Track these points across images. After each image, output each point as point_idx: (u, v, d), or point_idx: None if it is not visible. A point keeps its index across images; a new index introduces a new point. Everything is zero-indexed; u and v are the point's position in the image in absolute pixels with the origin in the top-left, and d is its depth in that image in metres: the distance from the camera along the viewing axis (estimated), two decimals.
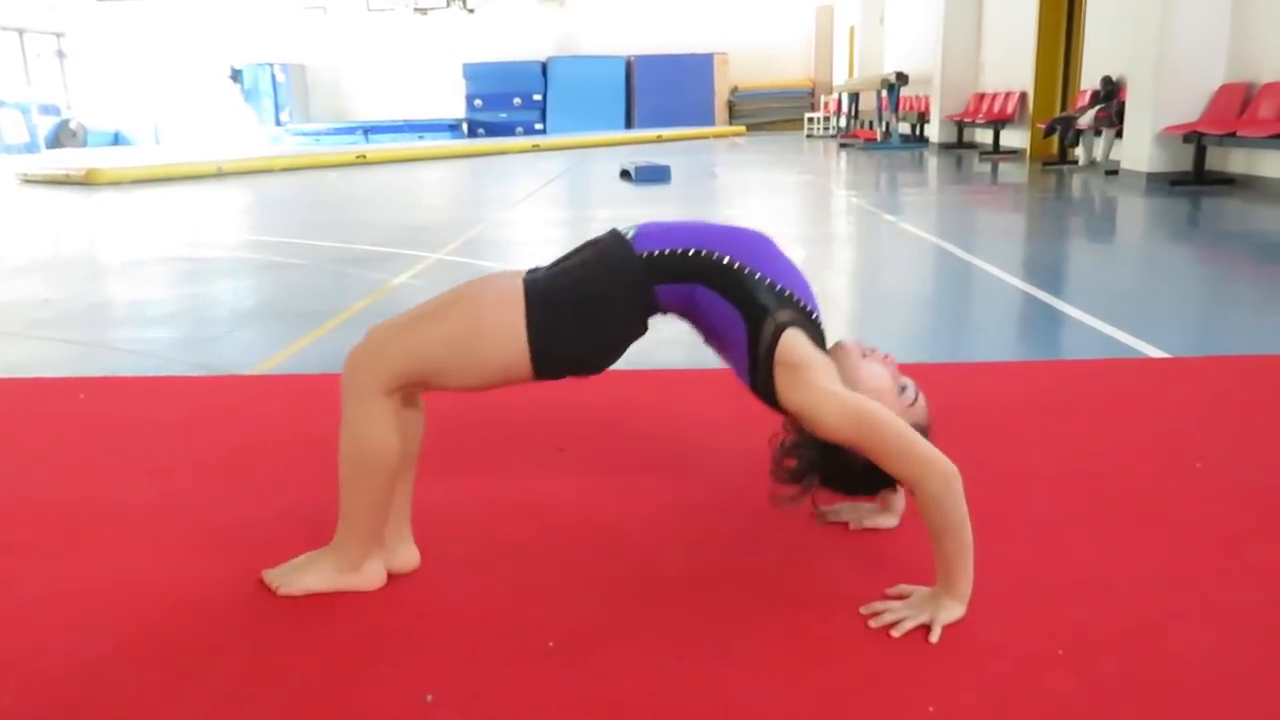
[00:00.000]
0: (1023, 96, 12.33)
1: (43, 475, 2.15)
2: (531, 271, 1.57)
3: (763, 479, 1.72)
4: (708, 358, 1.88)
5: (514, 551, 1.70)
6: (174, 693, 1.31)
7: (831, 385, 1.48)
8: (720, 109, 23.76)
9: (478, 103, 23.22)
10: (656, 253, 1.54)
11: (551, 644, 1.39)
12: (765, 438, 1.62)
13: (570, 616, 1.46)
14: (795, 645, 1.39)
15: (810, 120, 21.15)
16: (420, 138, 20.89)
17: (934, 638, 1.38)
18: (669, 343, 2.72)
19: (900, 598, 1.48)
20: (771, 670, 1.33)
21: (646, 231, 1.58)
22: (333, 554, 1.54)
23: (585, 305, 1.49)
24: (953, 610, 1.42)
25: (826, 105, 21.71)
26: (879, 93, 15.42)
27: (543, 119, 23.16)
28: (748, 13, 23.90)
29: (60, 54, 23.63)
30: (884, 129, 15.42)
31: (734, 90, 24.07)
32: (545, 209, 8.11)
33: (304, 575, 1.54)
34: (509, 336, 1.45)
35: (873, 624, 1.42)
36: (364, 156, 14.85)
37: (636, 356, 1.75)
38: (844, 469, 1.52)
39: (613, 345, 1.54)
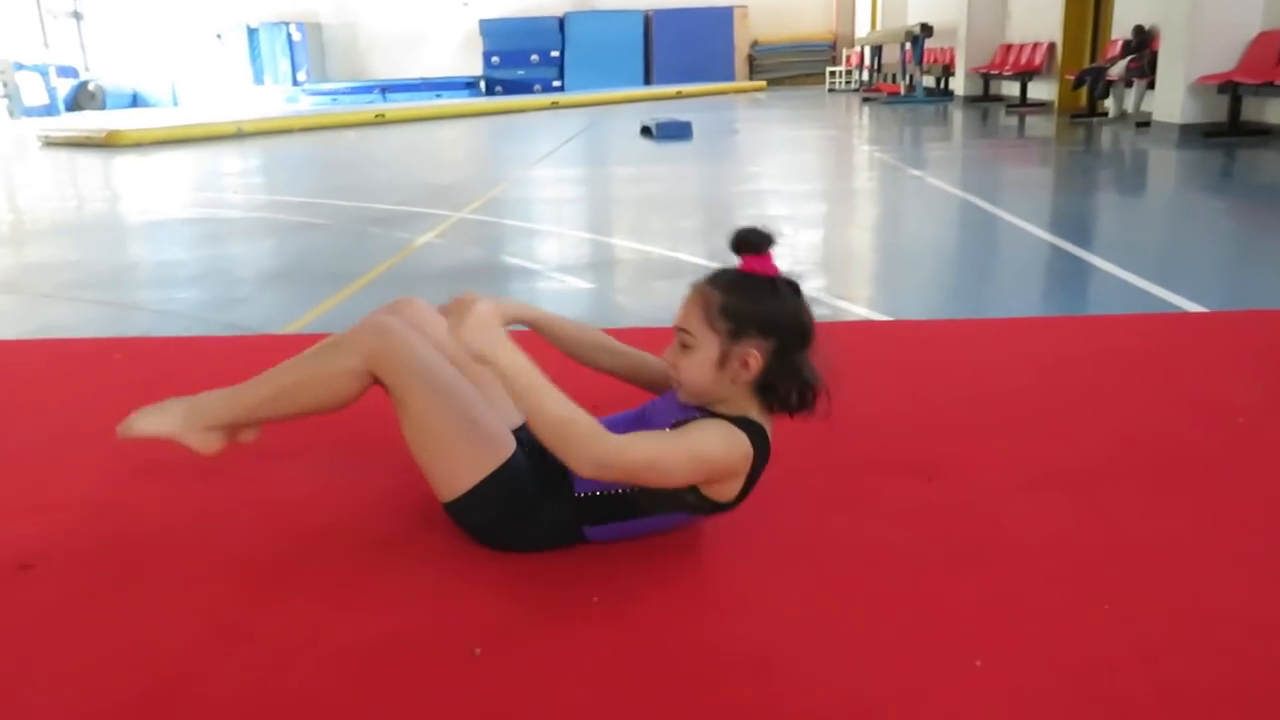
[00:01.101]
0: (1050, 47, 12.09)
1: (83, 435, 2.17)
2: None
3: (789, 434, 1.71)
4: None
5: None
6: (216, 651, 1.32)
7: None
8: (740, 64, 23.43)
9: (495, 60, 23.00)
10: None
11: (596, 599, 1.39)
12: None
13: (610, 573, 1.46)
14: (835, 601, 1.39)
15: (832, 74, 20.85)
16: (438, 96, 20.74)
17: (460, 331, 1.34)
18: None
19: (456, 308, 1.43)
20: (812, 626, 1.33)
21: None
22: (196, 409, 1.68)
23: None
24: (496, 346, 1.35)
25: (848, 59, 21.38)
26: (902, 45, 15.16)
27: (560, 76, 22.92)
28: None
29: (76, 15, 23.54)
30: (907, 82, 15.17)
31: (754, 44, 23.72)
32: (566, 167, 8.06)
33: (153, 418, 1.70)
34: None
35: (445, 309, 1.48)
36: (383, 116, 14.78)
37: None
38: None
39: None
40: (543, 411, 1.31)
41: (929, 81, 16.00)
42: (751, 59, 23.73)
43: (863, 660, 1.26)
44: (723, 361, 1.42)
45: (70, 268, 4.46)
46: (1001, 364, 2.46)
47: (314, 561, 1.55)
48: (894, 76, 16.95)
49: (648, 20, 23.16)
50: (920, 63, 14.83)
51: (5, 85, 19.08)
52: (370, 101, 19.89)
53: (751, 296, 1.43)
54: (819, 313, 3.07)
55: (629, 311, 3.38)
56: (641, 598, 1.41)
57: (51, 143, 12.34)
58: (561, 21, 23.15)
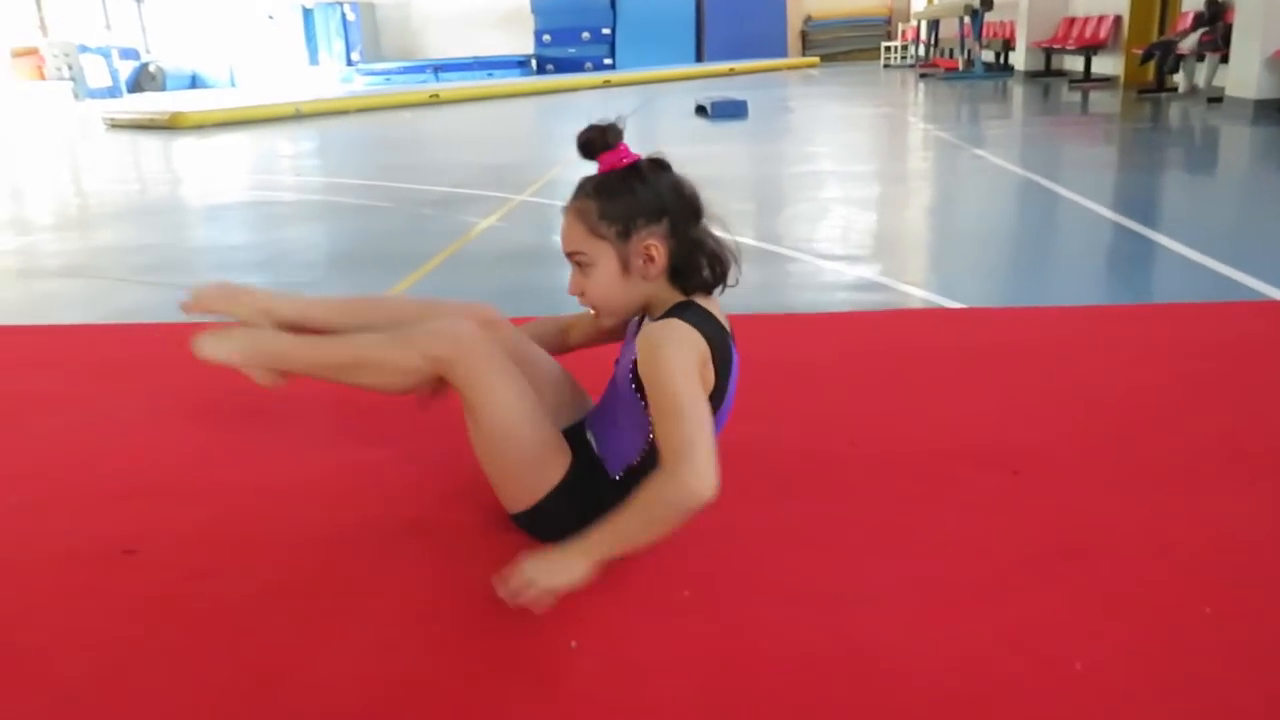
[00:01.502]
0: (1117, 20, 11.77)
1: (172, 419, 2.23)
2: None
3: (868, 426, 1.70)
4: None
5: None
6: (328, 633, 1.36)
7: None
8: (793, 40, 23.15)
9: (546, 38, 22.97)
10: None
11: (687, 594, 1.40)
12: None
13: (697, 568, 1.47)
14: (926, 597, 1.38)
15: (887, 50, 20.52)
16: (490, 75, 20.80)
17: (526, 594, 1.25)
18: None
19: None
20: (906, 621, 1.33)
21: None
22: (261, 347, 1.71)
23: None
24: (570, 566, 1.27)
25: (904, 33, 21.01)
26: (961, 19, 14.86)
27: (612, 53, 22.83)
28: None
29: None
30: (966, 57, 14.88)
31: (807, 20, 23.41)
32: None
33: (219, 345, 1.74)
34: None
35: (501, 593, 1.28)
36: (437, 96, 14.86)
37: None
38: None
39: None
40: (651, 532, 1.31)
41: (988, 56, 15.68)
42: (804, 35, 23.43)
43: (958, 659, 1.25)
44: (625, 266, 1.42)
45: (141, 251, 4.56)
46: (1079, 353, 2.41)
47: (407, 550, 1.57)
48: (951, 51, 16.62)
49: None
50: (979, 37, 14.53)
51: (70, 68, 19.49)
52: (423, 81, 20.01)
53: (622, 190, 1.41)
54: (880, 299, 3.09)
55: None
56: (731, 590, 1.41)
57: (116, 125, 12.59)
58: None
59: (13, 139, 11.73)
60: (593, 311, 1.49)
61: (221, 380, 2.47)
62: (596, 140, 1.43)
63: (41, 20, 20.63)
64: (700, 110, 10.32)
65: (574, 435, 1.56)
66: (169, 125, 11.75)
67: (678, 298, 1.45)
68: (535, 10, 23.04)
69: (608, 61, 22.65)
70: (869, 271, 3.51)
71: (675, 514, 1.28)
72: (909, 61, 19.78)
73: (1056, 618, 1.32)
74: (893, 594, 1.40)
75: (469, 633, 1.34)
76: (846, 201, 5.08)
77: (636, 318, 1.55)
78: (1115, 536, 1.53)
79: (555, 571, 1.27)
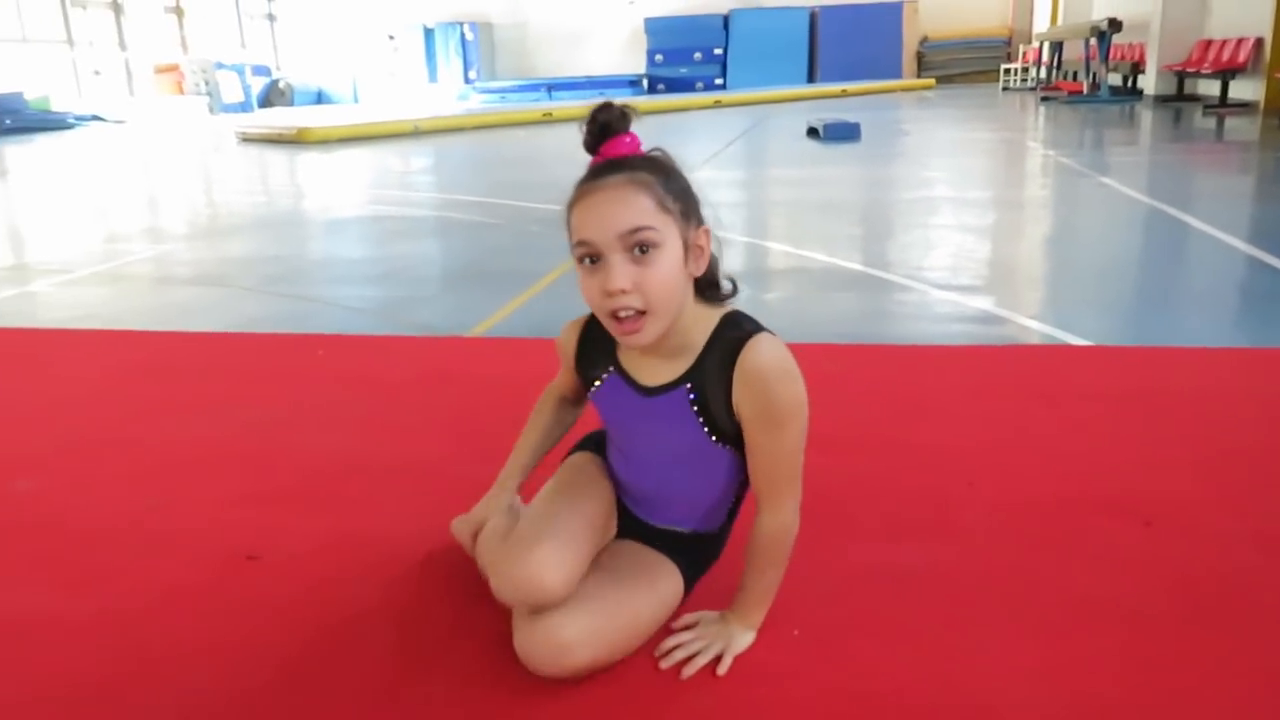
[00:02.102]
0: (1258, 43, 11.21)
1: (293, 428, 2.31)
2: None
3: (987, 467, 1.63)
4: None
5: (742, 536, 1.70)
6: (437, 648, 1.38)
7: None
8: (908, 61, 22.80)
9: (658, 58, 23.18)
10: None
11: (796, 633, 1.38)
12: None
13: (812, 608, 1.44)
14: (1054, 653, 1.32)
15: (1007, 72, 20.01)
16: (601, 94, 21.06)
17: (723, 669, 1.29)
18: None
19: (687, 628, 1.36)
20: (1030, 679, 1.27)
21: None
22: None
23: None
24: (745, 639, 1.33)
25: (1025, 55, 20.46)
26: (1087, 40, 14.38)
27: (723, 73, 22.89)
28: None
29: (270, 17, 25.12)
30: (1091, 80, 14.39)
31: (923, 40, 23.03)
32: (730, 169, 8.03)
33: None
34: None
35: (663, 664, 1.30)
36: (550, 114, 15.12)
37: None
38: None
39: None
40: (778, 582, 1.35)
41: (1115, 80, 15.13)
42: (920, 55, 23.06)
43: None
44: (686, 253, 1.22)
45: (268, 262, 4.76)
46: (1215, 398, 2.29)
47: None
48: (1076, 74, 16.11)
49: (813, 17, 22.84)
50: (1106, 59, 14.04)
51: (207, 83, 20.55)
52: (537, 100, 20.41)
53: (670, 169, 1.24)
54: (997, 333, 2.99)
55: (800, 323, 3.33)
56: (842, 631, 1.38)
57: (247, 138, 13.20)
58: (726, 19, 23.11)
59: (152, 151, 12.41)
60: (630, 312, 1.19)
61: (345, 391, 2.56)
62: (617, 121, 1.23)
63: (183, 39, 21.83)
64: (812, 132, 10.24)
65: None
66: (295, 140, 12.26)
67: (707, 312, 1.29)
68: (648, 30, 23.29)
69: (719, 81, 22.72)
70: (985, 303, 3.41)
71: (794, 538, 1.33)
72: (1030, 84, 19.25)
73: (1189, 687, 1.25)
74: (1009, 645, 1.34)
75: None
76: (962, 229, 4.96)
77: (607, 372, 1.36)
78: (1256, 601, 1.44)
79: (739, 645, 1.32)
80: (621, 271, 1.17)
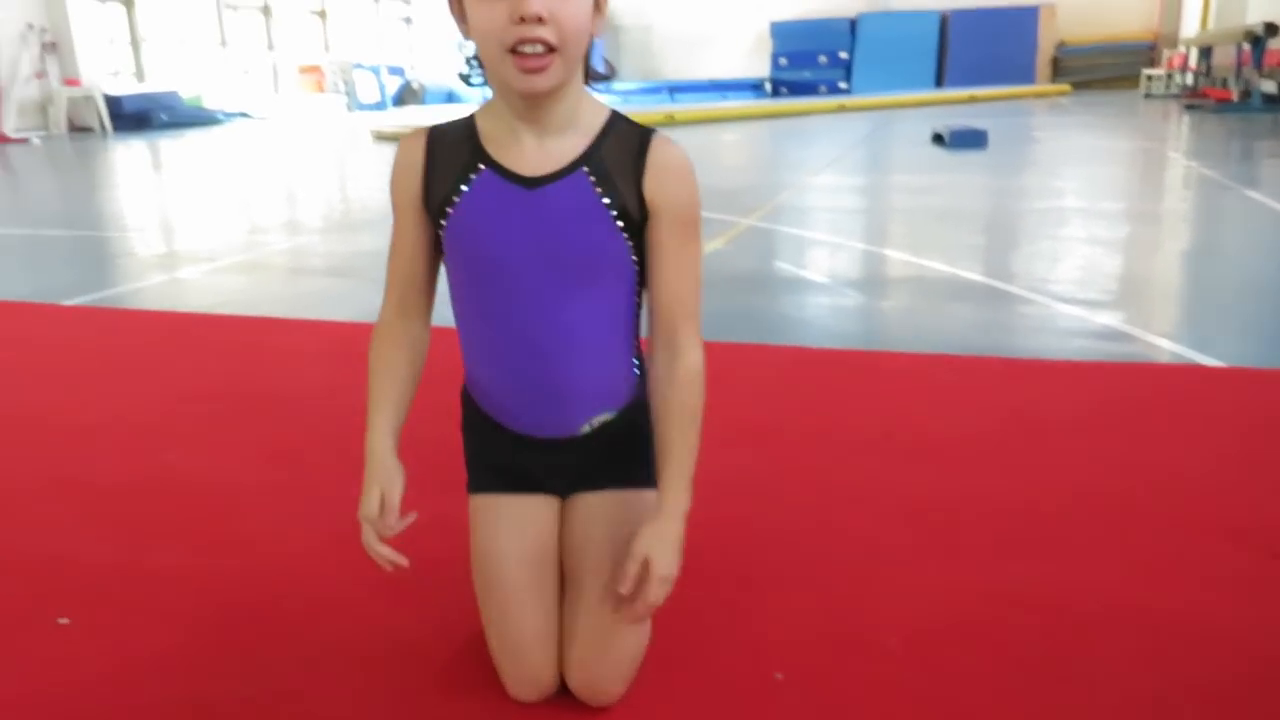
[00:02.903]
0: None
1: (419, 418, 2.41)
2: None
3: (1102, 486, 1.59)
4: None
5: (857, 548, 1.70)
6: None
7: None
8: (1043, 66, 21.99)
9: (783, 61, 23.00)
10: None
11: (894, 641, 1.38)
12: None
13: (912, 622, 1.44)
14: (1167, 681, 1.29)
15: (1149, 78, 19.10)
16: (724, 97, 21.05)
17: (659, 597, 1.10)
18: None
19: (639, 573, 1.11)
20: (1148, 706, 1.24)
21: None
22: None
23: None
24: (679, 536, 1.12)
25: (1170, 61, 19.49)
26: (1239, 45, 13.62)
27: (848, 77, 22.56)
28: None
29: (407, 20, 25.98)
30: (1242, 88, 13.63)
31: (1060, 45, 22.18)
32: (851, 175, 7.94)
33: None
34: None
35: (630, 621, 1.13)
36: (672, 116, 15.20)
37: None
38: None
39: None
40: (695, 452, 1.16)
41: (1269, 88, 14.28)
42: (1056, 60, 22.22)
43: None
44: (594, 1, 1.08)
45: None
46: None
47: None
48: (1225, 81, 15.27)
49: (944, 20, 22.28)
50: (1259, 66, 13.27)
51: (345, 83, 21.42)
52: (659, 102, 20.53)
53: None
54: (1123, 350, 2.89)
55: (917, 333, 3.28)
56: (942, 648, 1.37)
57: (380, 136, 13.70)
58: (853, 23, 22.78)
59: (292, 147, 13.02)
60: (538, 48, 1.03)
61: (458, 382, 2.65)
62: None
63: (325, 40, 22.80)
64: (937, 138, 10.01)
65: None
66: None
67: (593, 96, 1.17)
68: (774, 34, 23.15)
69: (843, 85, 22.40)
70: (1112, 319, 3.29)
71: (698, 416, 1.13)
72: (1174, 91, 18.34)
73: None
74: (1117, 671, 1.31)
75: (670, 659, 1.37)
76: (1091, 241, 4.79)
77: (475, 172, 1.14)
78: None
79: (676, 553, 1.11)
80: (527, 2, 1.00)
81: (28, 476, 2.15)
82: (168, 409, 2.56)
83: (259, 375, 2.85)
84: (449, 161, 1.14)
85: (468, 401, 1.26)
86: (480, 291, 1.16)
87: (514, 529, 1.23)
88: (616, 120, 1.14)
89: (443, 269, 1.23)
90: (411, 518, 1.19)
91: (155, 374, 2.90)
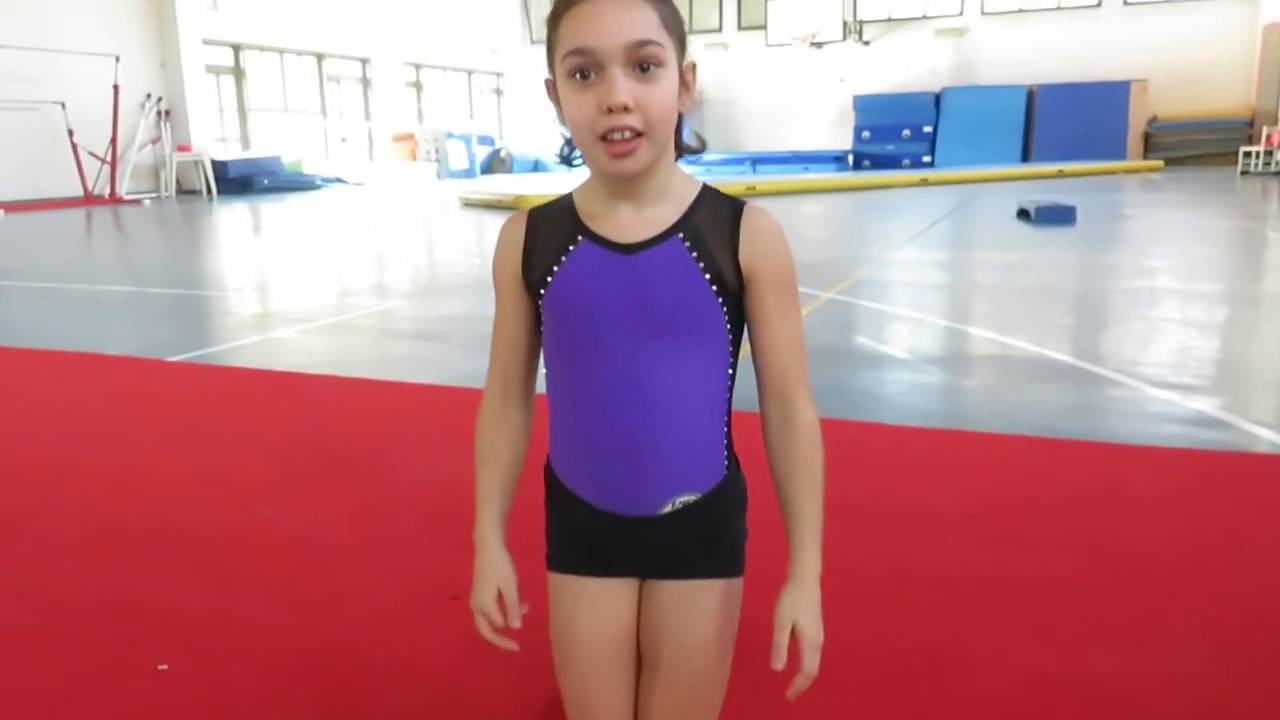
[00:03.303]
0: None
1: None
2: None
3: (1193, 578, 1.54)
4: None
5: (934, 630, 1.68)
6: None
7: None
8: (1134, 141, 21.68)
9: (865, 134, 23.12)
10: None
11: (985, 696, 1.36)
12: None
13: (990, 706, 1.41)
14: None
15: (1246, 155, 18.68)
16: (806, 169, 21.22)
17: (813, 666, 1.09)
18: None
19: (792, 648, 1.10)
20: None
21: None
22: None
23: None
24: (817, 600, 1.12)
25: (1269, 138, 19.05)
26: None
27: (931, 151, 22.55)
28: (1175, 35, 21.61)
29: (498, 91, 26.91)
30: None
31: (1152, 120, 21.87)
32: (934, 250, 7.90)
33: None
34: None
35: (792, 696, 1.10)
36: (753, 188, 15.37)
37: None
38: None
39: None
40: (822, 511, 1.16)
41: None
42: (1148, 136, 21.89)
43: None
44: (681, 84, 1.11)
45: (483, 322, 5.07)
46: None
47: None
48: None
49: (1031, 95, 22.20)
50: None
51: (437, 151, 22.20)
52: (741, 173, 20.78)
53: None
54: (1218, 438, 2.80)
55: (1003, 413, 3.24)
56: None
57: (469, 203, 14.14)
58: (937, 96, 22.84)
59: (385, 212, 13.51)
60: (626, 134, 1.06)
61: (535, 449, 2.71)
62: None
63: (419, 110, 23.72)
64: (1022, 214, 9.92)
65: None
66: (512, 206, 13.02)
67: (683, 168, 1.19)
68: (857, 107, 23.33)
69: (927, 159, 22.39)
70: (1207, 405, 3.21)
71: (824, 458, 1.14)
72: (1273, 168, 17.88)
73: None
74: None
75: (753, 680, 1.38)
76: (1185, 323, 4.67)
77: (574, 243, 1.16)
78: None
79: (819, 616, 1.13)
80: (625, 86, 1.05)
81: (132, 523, 2.26)
82: (262, 463, 2.67)
83: (348, 434, 2.95)
84: (550, 237, 1.18)
85: (551, 477, 1.29)
86: (575, 355, 1.17)
87: (592, 612, 1.24)
88: (708, 192, 1.18)
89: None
90: (526, 609, 1.23)
91: (251, 429, 3.03)
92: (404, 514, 2.26)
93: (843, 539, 2.03)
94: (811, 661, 1.10)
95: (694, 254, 1.13)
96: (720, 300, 1.13)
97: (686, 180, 1.17)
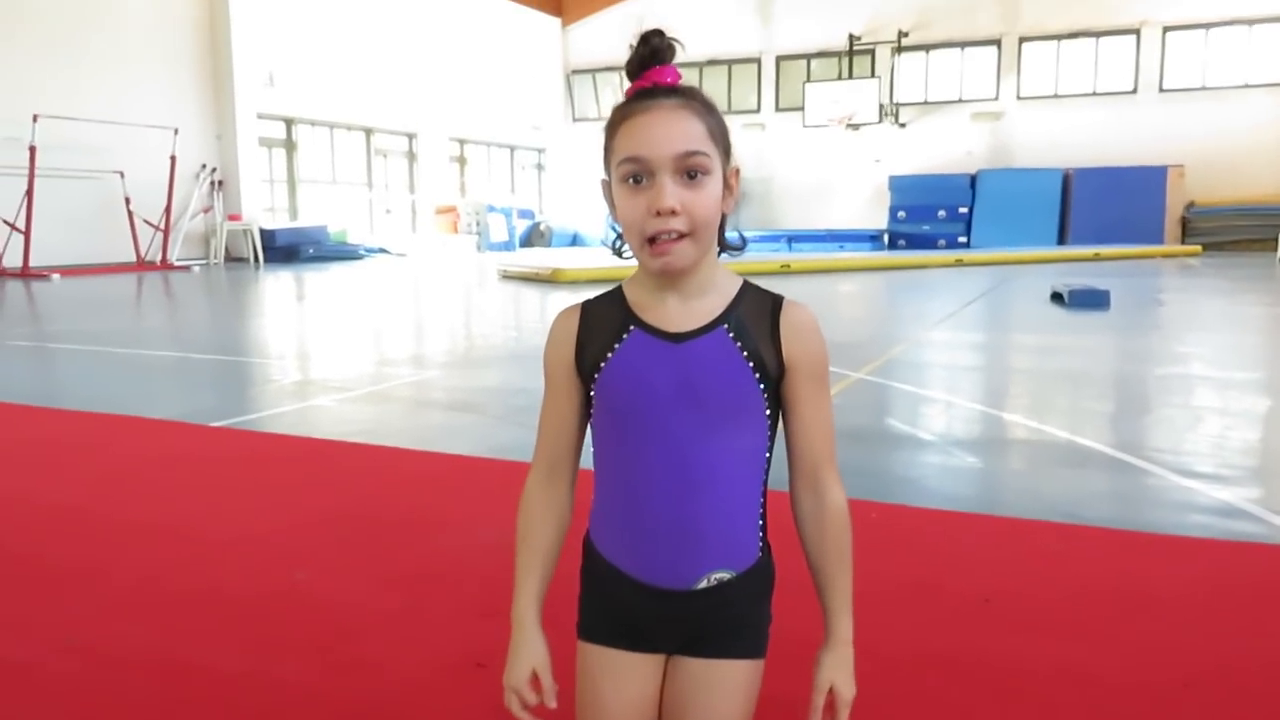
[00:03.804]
0: None
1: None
2: None
3: (1211, 671, 1.56)
4: None
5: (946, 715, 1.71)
6: None
7: None
8: (1171, 226, 21.67)
9: (901, 214, 23.32)
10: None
11: None
12: None
13: None
14: None
15: None
16: (841, 248, 21.39)
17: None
18: None
19: (828, 705, 1.23)
20: None
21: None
22: None
23: None
24: (851, 661, 1.25)
25: None
26: None
27: (967, 231, 22.67)
28: (1211, 122, 21.73)
29: (539, 166, 27.55)
30: None
31: (1189, 205, 21.88)
32: (966, 332, 7.94)
33: None
34: None
35: None
36: (788, 266, 15.53)
37: None
38: None
39: None
40: (852, 581, 1.27)
41: None
42: (1185, 221, 21.88)
43: None
44: (725, 188, 1.22)
45: (517, 394, 5.19)
46: None
47: None
48: None
49: (1067, 178, 22.33)
50: None
51: (478, 224, 22.69)
52: (776, 250, 20.99)
53: (711, 101, 1.23)
54: (1245, 530, 2.80)
55: (1025, 498, 3.26)
56: None
57: (507, 275, 14.40)
58: (973, 178, 23.04)
59: (425, 283, 13.80)
60: (672, 235, 1.17)
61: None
62: (666, 51, 1.22)
63: (462, 184, 24.32)
64: (1056, 297, 9.94)
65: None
66: (550, 279, 13.26)
67: (726, 266, 1.29)
68: (892, 188, 23.58)
69: (962, 239, 22.49)
70: (1235, 496, 3.21)
71: (851, 536, 1.25)
72: None
73: None
74: None
75: None
76: (1218, 412, 4.67)
77: (626, 332, 1.25)
78: None
79: (853, 676, 1.25)
80: (672, 191, 1.16)
81: (171, 585, 2.35)
82: (299, 528, 2.76)
83: (381, 502, 3.04)
84: (601, 328, 1.26)
85: (589, 548, 1.36)
86: (625, 435, 1.24)
87: (620, 685, 1.29)
88: (749, 287, 1.28)
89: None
90: (556, 689, 1.30)
91: (288, 496, 3.12)
92: (434, 581, 2.33)
93: (858, 620, 2.07)
94: (844, 717, 1.21)
95: (738, 343, 1.21)
96: (762, 386, 1.22)
97: (729, 275, 1.27)
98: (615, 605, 1.30)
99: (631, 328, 1.24)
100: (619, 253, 1.28)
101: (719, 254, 1.27)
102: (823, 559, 1.25)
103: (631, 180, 1.18)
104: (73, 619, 2.16)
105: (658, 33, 1.22)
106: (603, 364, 1.24)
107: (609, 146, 1.21)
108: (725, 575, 1.24)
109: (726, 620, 1.26)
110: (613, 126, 1.21)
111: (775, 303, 1.26)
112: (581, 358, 1.27)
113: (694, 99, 1.20)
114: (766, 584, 1.29)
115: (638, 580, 1.27)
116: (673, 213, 1.16)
